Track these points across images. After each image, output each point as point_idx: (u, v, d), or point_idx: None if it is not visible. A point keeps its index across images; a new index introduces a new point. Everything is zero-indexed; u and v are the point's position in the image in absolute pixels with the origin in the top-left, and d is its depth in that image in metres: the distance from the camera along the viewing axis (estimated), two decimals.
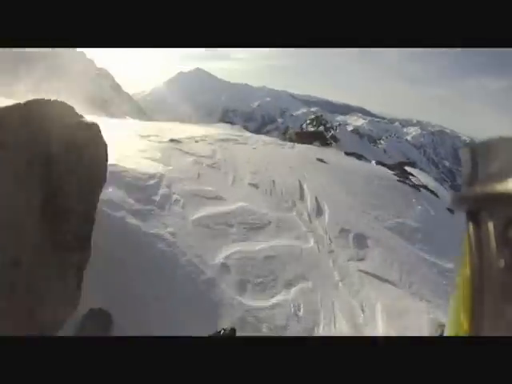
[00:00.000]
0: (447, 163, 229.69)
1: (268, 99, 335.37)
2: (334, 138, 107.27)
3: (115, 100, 61.06)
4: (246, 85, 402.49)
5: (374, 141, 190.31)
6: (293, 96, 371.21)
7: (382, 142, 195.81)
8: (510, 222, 0.49)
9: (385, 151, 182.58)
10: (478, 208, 0.55)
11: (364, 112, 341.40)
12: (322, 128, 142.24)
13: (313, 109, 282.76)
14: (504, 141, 0.55)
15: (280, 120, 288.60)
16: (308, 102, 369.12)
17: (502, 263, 0.50)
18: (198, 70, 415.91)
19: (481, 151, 0.58)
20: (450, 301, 0.61)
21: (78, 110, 4.27)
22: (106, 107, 52.73)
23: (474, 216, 0.56)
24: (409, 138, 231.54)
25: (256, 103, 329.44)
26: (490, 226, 0.52)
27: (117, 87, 67.54)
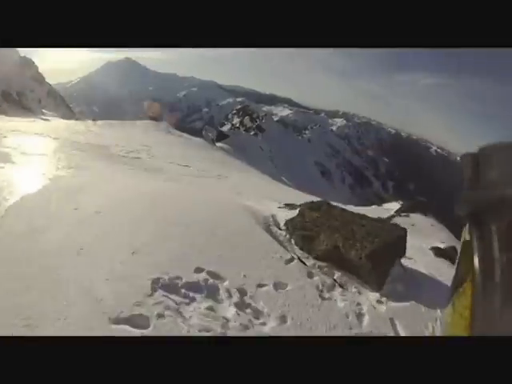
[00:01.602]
0: (371, 152, 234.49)
1: (194, 89, 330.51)
2: (260, 128, 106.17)
3: (36, 92, 59.91)
4: (174, 75, 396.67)
5: (299, 131, 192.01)
6: (220, 86, 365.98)
7: (306, 132, 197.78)
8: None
9: (309, 141, 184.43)
10: (480, 211, 0.59)
11: (290, 103, 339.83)
12: (247, 118, 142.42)
13: (239, 99, 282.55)
14: (504, 147, 0.59)
15: (205, 110, 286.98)
16: (235, 92, 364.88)
17: (503, 264, 0.53)
18: (127, 59, 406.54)
19: (482, 157, 0.62)
20: (451, 300, 0.68)
21: None
22: (22, 100, 51.14)
23: (475, 219, 0.60)
24: (334, 128, 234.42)
25: (182, 93, 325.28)
26: (493, 228, 0.56)
27: (39, 78, 65.05)
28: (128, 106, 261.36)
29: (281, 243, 6.44)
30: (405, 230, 6.85)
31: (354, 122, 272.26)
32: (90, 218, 5.72)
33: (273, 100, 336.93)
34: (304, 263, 5.91)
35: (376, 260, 5.83)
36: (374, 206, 26.20)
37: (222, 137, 66.05)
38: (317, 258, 6.17)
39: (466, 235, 0.65)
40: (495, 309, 0.53)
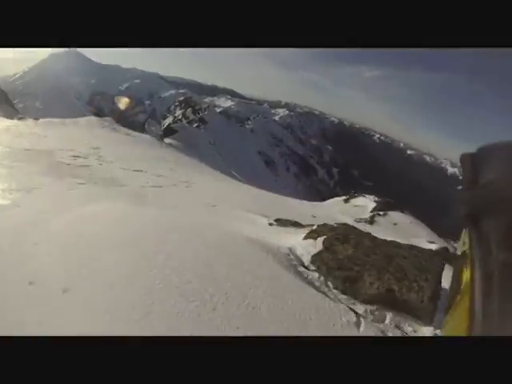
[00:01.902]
0: (314, 141, 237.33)
1: (137, 81, 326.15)
2: (203, 120, 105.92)
3: None
4: (117, 66, 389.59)
5: (241, 121, 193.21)
6: (162, 78, 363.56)
7: (249, 122, 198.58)
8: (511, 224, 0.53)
9: (252, 131, 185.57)
10: (479, 211, 0.58)
11: (233, 94, 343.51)
12: (190, 110, 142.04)
13: (181, 90, 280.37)
14: (503, 146, 0.60)
15: (148, 102, 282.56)
16: (177, 83, 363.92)
17: (502, 263, 0.54)
18: (70, 51, 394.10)
19: (481, 157, 0.61)
20: (449, 301, 0.68)
21: None
22: None
23: (474, 219, 0.59)
24: (276, 118, 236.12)
25: (125, 85, 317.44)
26: (492, 227, 0.56)
27: None
28: (71, 100, 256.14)
29: (317, 289, 4.99)
30: (442, 255, 6.54)
31: (297, 111, 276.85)
32: (58, 308, 3.65)
33: (215, 91, 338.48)
34: (355, 312, 4.62)
35: (436, 299, 5.00)
36: (338, 199, 25.41)
37: (169, 132, 64.53)
38: (363, 301, 4.99)
39: (465, 239, 0.65)
40: (495, 309, 0.54)
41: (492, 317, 0.53)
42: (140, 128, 42.76)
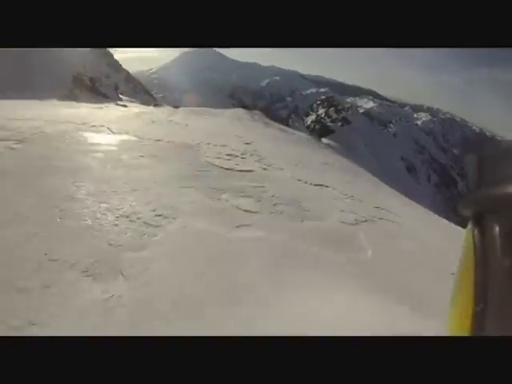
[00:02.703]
0: (456, 151, 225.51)
1: (277, 78, 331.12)
2: (346, 120, 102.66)
3: (112, 78, 56.36)
4: (255, 64, 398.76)
5: (384, 124, 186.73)
6: (302, 76, 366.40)
7: (391, 125, 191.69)
8: None
9: (394, 135, 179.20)
10: (483, 211, 0.58)
11: (374, 95, 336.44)
12: (332, 109, 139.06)
13: (322, 89, 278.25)
14: (509, 146, 0.59)
15: (289, 99, 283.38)
16: (317, 82, 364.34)
17: (506, 265, 0.52)
18: (208, 49, 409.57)
19: (487, 158, 0.61)
20: (452, 300, 0.64)
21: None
22: (95, 86, 48.14)
23: (479, 219, 0.58)
24: (419, 123, 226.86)
25: (265, 81, 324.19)
26: (496, 228, 0.55)
27: (115, 64, 61.97)
28: (210, 94, 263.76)
29: None
30: None
31: (439, 117, 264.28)
32: None
33: (356, 91, 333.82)
34: None
35: None
36: None
37: (327, 132, 61.50)
38: None
39: (468, 240, 0.64)
40: (496, 309, 0.54)
41: (494, 317, 0.53)
42: (283, 123, 40.18)
